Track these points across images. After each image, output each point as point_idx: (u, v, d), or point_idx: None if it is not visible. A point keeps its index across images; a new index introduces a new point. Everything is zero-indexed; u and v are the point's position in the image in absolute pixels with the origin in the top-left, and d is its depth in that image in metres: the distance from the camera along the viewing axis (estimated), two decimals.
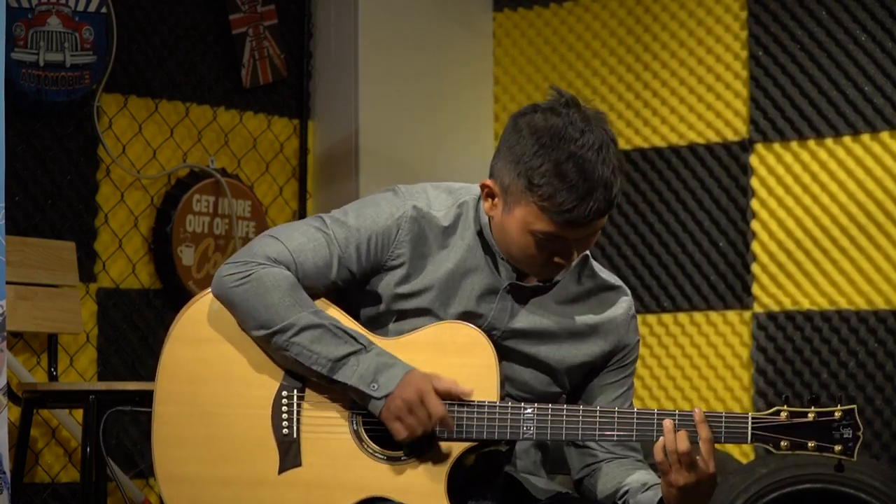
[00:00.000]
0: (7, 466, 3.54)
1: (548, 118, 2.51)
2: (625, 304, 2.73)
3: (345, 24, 5.31)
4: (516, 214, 2.54)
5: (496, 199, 2.58)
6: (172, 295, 4.90)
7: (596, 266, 2.74)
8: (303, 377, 2.61)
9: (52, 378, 4.48)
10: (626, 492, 2.65)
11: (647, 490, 2.62)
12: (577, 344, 2.69)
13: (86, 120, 4.71)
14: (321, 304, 2.63)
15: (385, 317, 2.65)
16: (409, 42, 5.42)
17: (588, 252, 2.69)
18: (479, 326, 2.62)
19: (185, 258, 4.90)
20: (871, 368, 4.86)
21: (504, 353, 2.63)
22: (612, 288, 2.73)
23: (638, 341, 2.77)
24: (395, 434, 2.53)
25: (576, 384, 2.73)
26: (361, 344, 2.56)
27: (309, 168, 5.38)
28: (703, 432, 2.48)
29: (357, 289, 2.68)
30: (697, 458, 2.47)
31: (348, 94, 5.29)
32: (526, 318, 2.66)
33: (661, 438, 2.48)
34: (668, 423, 2.48)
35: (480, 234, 2.65)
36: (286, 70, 5.29)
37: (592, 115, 2.53)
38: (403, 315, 2.64)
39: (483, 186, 2.61)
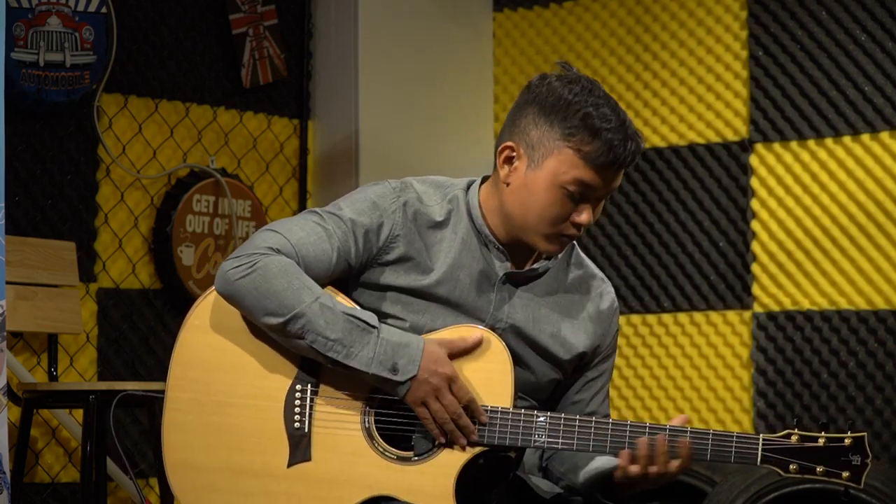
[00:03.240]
0: (7, 466, 3.54)
1: (569, 78, 2.61)
2: (611, 295, 2.79)
3: (345, 24, 5.31)
4: (546, 167, 2.58)
5: (516, 162, 2.62)
6: (172, 295, 4.90)
7: (581, 253, 2.80)
8: (317, 372, 2.62)
9: (52, 378, 4.48)
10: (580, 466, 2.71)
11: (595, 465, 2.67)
12: (574, 331, 2.72)
13: (86, 120, 4.71)
14: (328, 291, 2.64)
15: (383, 309, 2.66)
16: (409, 42, 5.42)
17: (574, 242, 2.75)
18: (482, 319, 2.64)
19: (185, 258, 4.90)
20: (871, 368, 4.86)
21: (508, 343, 2.64)
22: (597, 277, 2.80)
23: (618, 330, 2.82)
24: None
25: (572, 372, 2.77)
26: (373, 326, 2.57)
27: (309, 168, 5.38)
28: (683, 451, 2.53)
29: (353, 282, 2.69)
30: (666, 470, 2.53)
31: (348, 94, 5.29)
32: (525, 308, 2.69)
33: (642, 445, 2.52)
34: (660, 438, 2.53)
35: (473, 226, 2.68)
36: (286, 70, 5.28)
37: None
38: (402, 307, 2.66)
39: (503, 149, 2.64)
